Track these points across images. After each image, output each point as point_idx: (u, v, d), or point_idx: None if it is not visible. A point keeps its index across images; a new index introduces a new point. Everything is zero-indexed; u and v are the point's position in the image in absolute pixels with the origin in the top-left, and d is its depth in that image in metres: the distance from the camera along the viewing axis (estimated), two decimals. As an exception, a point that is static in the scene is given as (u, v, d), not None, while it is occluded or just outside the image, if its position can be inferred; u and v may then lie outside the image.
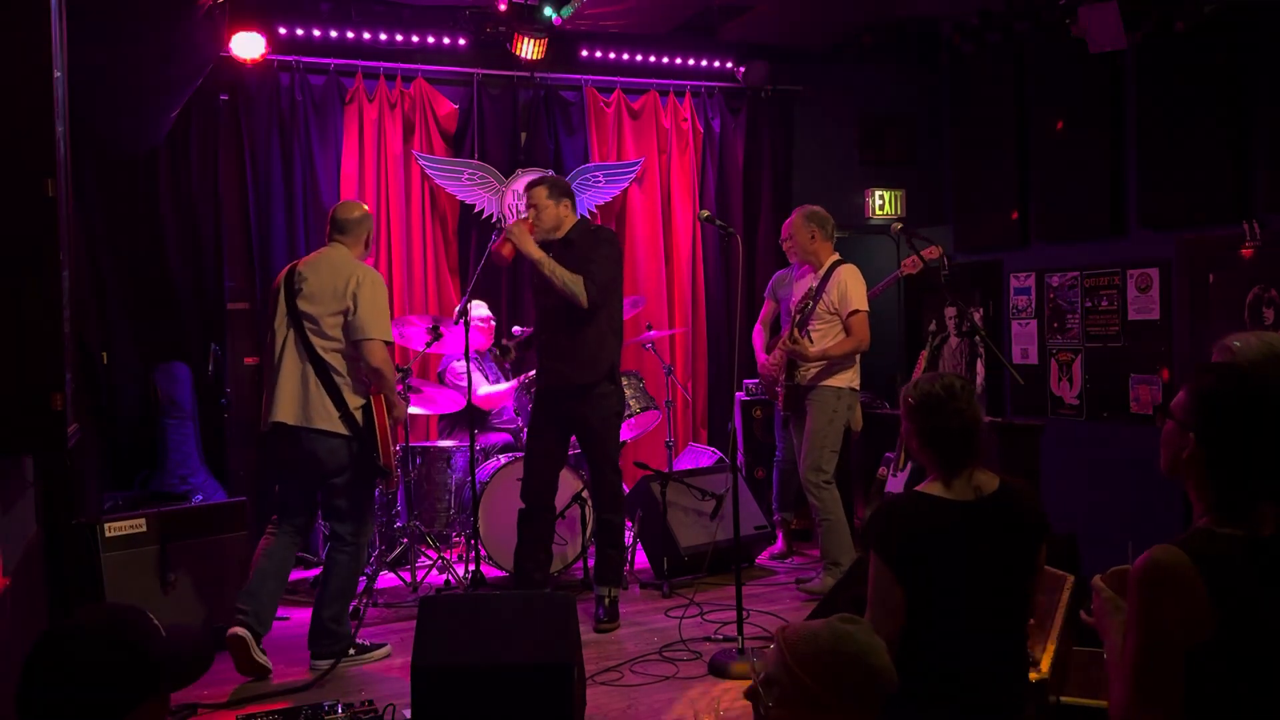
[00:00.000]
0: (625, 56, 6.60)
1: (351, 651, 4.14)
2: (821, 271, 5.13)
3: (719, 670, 3.99)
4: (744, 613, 4.11)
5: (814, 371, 5.06)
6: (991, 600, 2.35)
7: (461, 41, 6.18)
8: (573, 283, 4.40)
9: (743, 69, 6.72)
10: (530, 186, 4.63)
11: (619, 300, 4.68)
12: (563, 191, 4.62)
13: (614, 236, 4.78)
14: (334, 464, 4.03)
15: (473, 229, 6.22)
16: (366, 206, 4.35)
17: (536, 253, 4.42)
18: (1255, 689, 1.68)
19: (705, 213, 4.69)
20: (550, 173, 4.97)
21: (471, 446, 4.95)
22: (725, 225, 4.60)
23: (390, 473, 4.13)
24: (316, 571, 5.40)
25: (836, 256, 5.18)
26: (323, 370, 3.99)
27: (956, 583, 2.33)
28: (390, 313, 4.17)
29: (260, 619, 4.02)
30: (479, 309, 5.66)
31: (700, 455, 6.15)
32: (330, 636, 4.08)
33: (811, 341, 5.05)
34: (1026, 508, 2.41)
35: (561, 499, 4.96)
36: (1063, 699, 3.06)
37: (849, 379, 5.10)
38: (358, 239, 4.20)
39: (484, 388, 5.57)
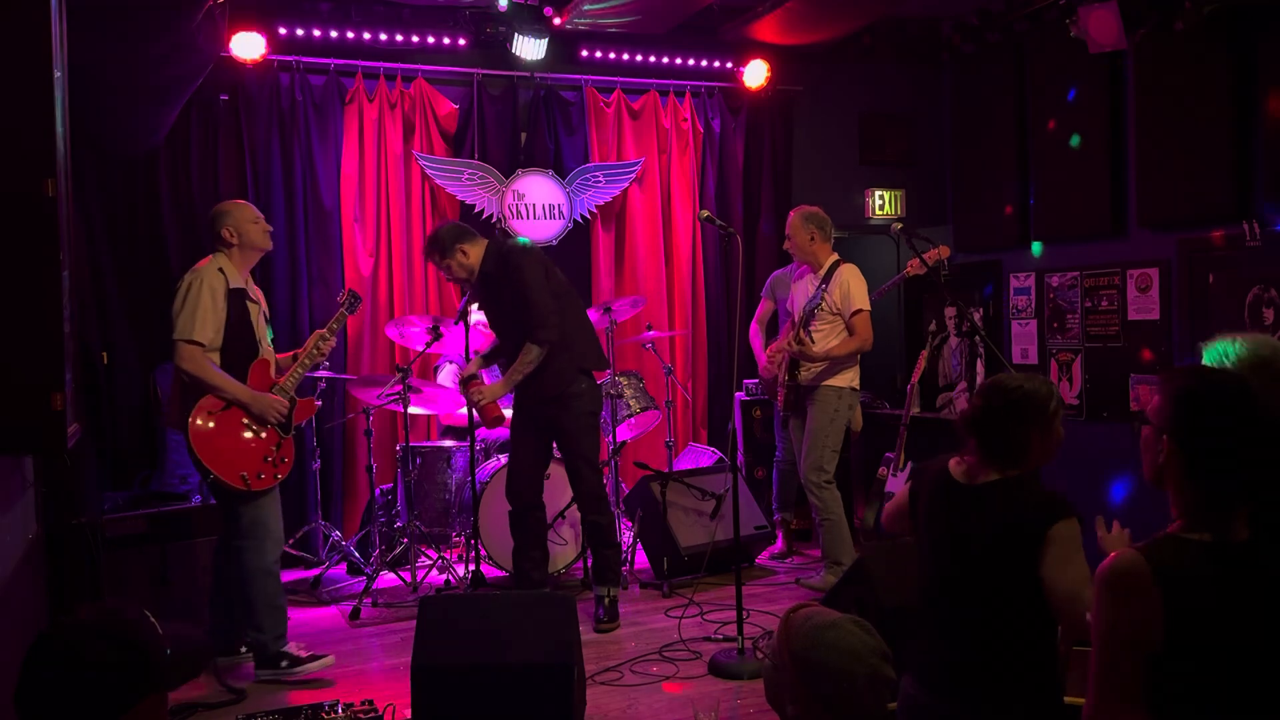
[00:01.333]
0: (625, 56, 6.60)
1: (284, 664, 3.96)
2: (822, 272, 5.13)
3: (719, 670, 3.99)
4: (744, 613, 4.12)
5: (816, 371, 5.06)
6: (957, 586, 2.32)
7: (461, 41, 6.18)
8: (532, 355, 4.44)
9: (743, 69, 6.72)
10: (427, 259, 4.70)
11: (569, 299, 4.66)
12: (450, 241, 4.52)
13: (521, 254, 4.55)
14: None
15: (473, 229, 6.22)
16: (226, 204, 4.16)
17: (504, 389, 4.52)
18: (1215, 694, 1.68)
19: (705, 213, 4.69)
20: (439, 225, 4.82)
21: (471, 447, 4.95)
22: (725, 225, 4.60)
23: (235, 488, 3.87)
24: (316, 571, 5.42)
25: (836, 256, 5.18)
26: (181, 381, 3.96)
27: (928, 553, 2.40)
28: (205, 312, 3.86)
29: (222, 641, 4.13)
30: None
31: (700, 455, 6.15)
32: (257, 645, 3.99)
33: (814, 342, 5.05)
34: (1007, 511, 2.28)
35: (562, 499, 4.97)
36: (1064, 699, 3.07)
37: (850, 379, 5.10)
38: (215, 239, 4.05)
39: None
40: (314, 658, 4.04)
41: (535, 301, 4.45)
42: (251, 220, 4.10)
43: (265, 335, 4.14)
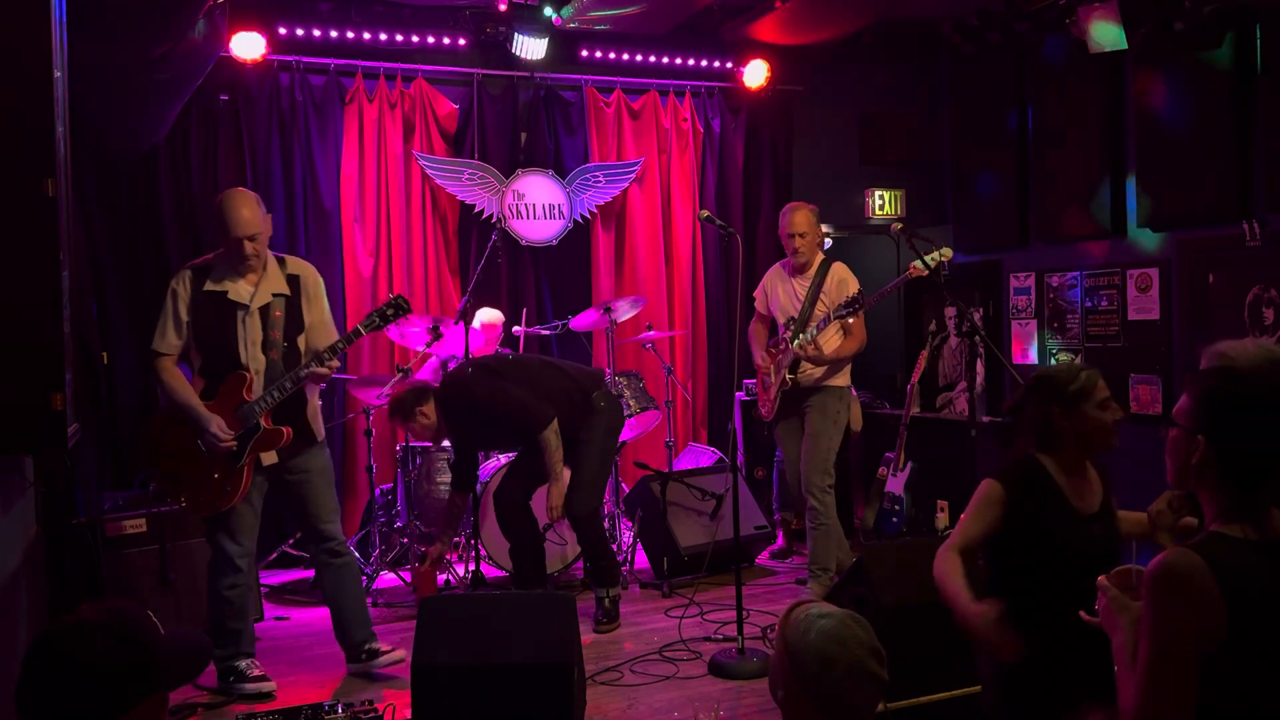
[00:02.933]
0: (625, 56, 6.60)
1: (231, 678, 3.82)
2: (813, 271, 5.07)
3: (719, 670, 3.99)
4: (744, 613, 4.12)
5: (820, 372, 4.99)
6: None
7: (461, 41, 6.18)
8: (552, 441, 4.46)
9: (743, 69, 6.72)
10: (391, 421, 4.64)
11: (525, 368, 4.69)
12: (411, 405, 4.45)
13: (469, 391, 4.52)
14: None
15: (473, 229, 6.23)
16: (222, 199, 3.76)
17: (559, 481, 4.52)
18: (1268, 693, 1.68)
19: (705, 213, 4.67)
20: (400, 390, 4.67)
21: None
22: (725, 225, 4.59)
23: (177, 504, 3.78)
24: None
25: (821, 255, 5.15)
26: None
27: None
28: (166, 319, 3.73)
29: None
30: (488, 315, 5.66)
31: (700, 455, 6.15)
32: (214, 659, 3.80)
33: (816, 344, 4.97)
34: None
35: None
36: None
37: (847, 378, 5.07)
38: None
39: None
40: (261, 679, 3.84)
41: (521, 408, 4.46)
42: (234, 235, 3.66)
43: (259, 342, 3.74)
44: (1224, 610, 1.65)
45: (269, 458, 3.82)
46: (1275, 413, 1.75)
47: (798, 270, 5.10)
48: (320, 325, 3.92)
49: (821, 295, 5.00)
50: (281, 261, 3.88)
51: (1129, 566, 1.89)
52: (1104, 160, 5.76)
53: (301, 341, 3.85)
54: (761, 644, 4.17)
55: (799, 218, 5.08)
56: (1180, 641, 1.67)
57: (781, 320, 5.14)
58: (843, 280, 5.00)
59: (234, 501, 3.74)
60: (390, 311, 3.93)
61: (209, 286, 3.74)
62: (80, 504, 4.29)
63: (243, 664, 3.85)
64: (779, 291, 5.18)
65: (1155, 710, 1.67)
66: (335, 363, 3.80)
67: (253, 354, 3.74)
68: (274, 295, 3.79)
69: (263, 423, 3.74)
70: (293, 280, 3.85)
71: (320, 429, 3.99)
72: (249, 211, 3.70)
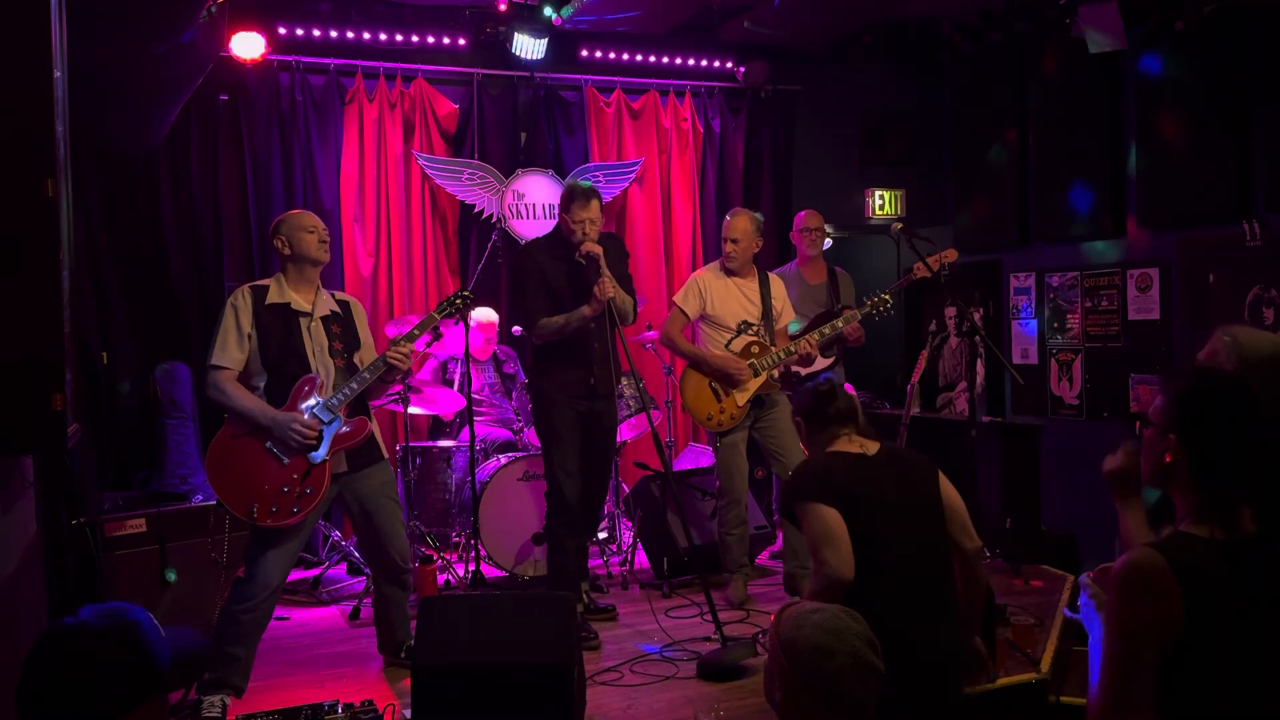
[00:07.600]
0: (625, 56, 6.61)
1: (202, 706, 3.58)
2: (754, 277, 4.94)
3: (706, 670, 3.96)
4: (744, 613, 4.11)
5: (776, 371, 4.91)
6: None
7: (461, 41, 6.18)
8: (626, 304, 4.39)
9: (743, 69, 6.72)
10: (593, 200, 4.47)
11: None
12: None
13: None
14: None
15: (473, 229, 6.23)
16: (286, 213, 3.90)
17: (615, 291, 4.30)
18: (1227, 690, 1.69)
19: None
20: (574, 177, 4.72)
21: (471, 446, 4.95)
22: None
23: (248, 521, 3.58)
24: (316, 571, 5.41)
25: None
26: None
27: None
28: (226, 334, 3.65)
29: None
30: (484, 314, 5.66)
31: (700, 455, 6.14)
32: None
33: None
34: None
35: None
36: (1062, 699, 3.07)
37: None
38: (273, 250, 3.85)
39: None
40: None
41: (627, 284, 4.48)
42: (305, 229, 3.78)
43: (325, 348, 3.75)
44: (1182, 607, 1.68)
45: (337, 464, 3.74)
46: (1244, 411, 1.77)
47: (734, 274, 4.90)
48: (370, 348, 3.98)
49: (773, 300, 4.91)
50: (331, 293, 3.95)
51: (1110, 564, 1.90)
52: (1104, 160, 5.76)
53: (357, 359, 3.88)
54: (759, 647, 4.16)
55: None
56: (1138, 637, 1.69)
57: (732, 324, 4.83)
58: (779, 286, 4.97)
59: (315, 504, 3.63)
60: (460, 302, 4.06)
61: (270, 300, 3.73)
62: (80, 504, 4.29)
63: (213, 700, 3.56)
64: (731, 295, 4.88)
65: (1115, 703, 1.70)
66: (410, 347, 3.80)
67: (321, 359, 3.75)
68: (330, 311, 3.86)
69: (341, 415, 3.71)
70: (343, 305, 3.94)
71: (384, 448, 3.99)
72: (316, 218, 3.86)
